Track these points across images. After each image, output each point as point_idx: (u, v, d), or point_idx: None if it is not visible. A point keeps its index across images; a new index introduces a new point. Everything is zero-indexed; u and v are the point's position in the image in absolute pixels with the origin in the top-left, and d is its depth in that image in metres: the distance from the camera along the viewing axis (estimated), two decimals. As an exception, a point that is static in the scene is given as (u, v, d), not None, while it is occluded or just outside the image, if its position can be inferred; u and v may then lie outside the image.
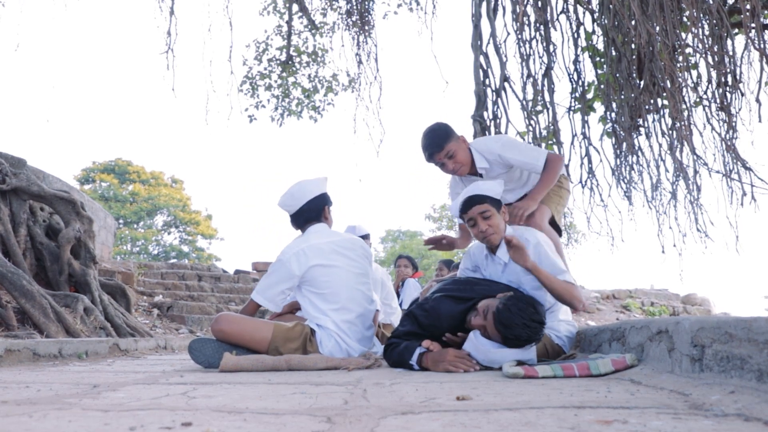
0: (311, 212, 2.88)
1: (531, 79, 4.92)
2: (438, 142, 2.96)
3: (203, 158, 57.15)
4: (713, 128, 4.71)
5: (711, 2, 3.94)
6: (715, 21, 4.12)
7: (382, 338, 3.62)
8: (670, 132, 4.85)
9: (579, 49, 5.02)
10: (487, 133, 4.84)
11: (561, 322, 2.59)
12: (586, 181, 5.26)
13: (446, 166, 3.01)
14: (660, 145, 5.01)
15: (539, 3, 4.60)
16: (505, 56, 4.87)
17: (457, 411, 1.13)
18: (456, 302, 2.45)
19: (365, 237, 4.48)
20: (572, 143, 5.08)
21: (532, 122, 4.89)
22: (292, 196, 2.88)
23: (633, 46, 4.58)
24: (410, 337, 2.48)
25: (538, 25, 4.87)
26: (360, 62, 8.35)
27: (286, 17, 9.07)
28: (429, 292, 2.68)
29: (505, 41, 4.89)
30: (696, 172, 4.96)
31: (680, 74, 4.47)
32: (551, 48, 4.90)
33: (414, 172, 60.64)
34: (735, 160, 4.68)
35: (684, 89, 4.56)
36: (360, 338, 2.79)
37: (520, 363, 2.13)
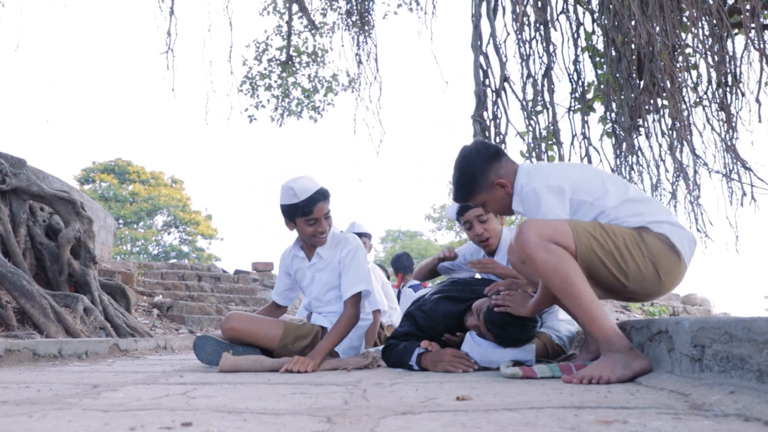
0: None
1: (531, 80, 4.91)
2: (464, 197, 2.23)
3: (203, 158, 57.25)
4: (713, 128, 4.71)
5: (711, 2, 3.94)
6: (715, 21, 4.12)
7: (384, 339, 3.63)
8: (670, 132, 4.85)
9: (579, 49, 5.02)
10: (486, 132, 4.84)
11: (561, 322, 2.58)
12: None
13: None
14: (660, 146, 5.00)
15: (539, 3, 4.60)
16: (505, 56, 4.86)
17: (457, 411, 1.13)
18: (454, 303, 2.46)
19: (364, 235, 4.45)
20: (572, 143, 5.07)
21: (531, 122, 4.88)
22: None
23: (633, 46, 4.57)
24: (408, 338, 2.49)
25: (538, 25, 4.87)
26: (360, 62, 8.35)
27: (286, 17, 9.07)
28: (427, 294, 2.69)
29: (505, 41, 4.88)
30: (696, 172, 4.96)
31: (680, 74, 4.47)
32: (551, 48, 4.89)
33: (414, 172, 60.65)
34: (735, 161, 4.68)
35: (684, 89, 4.56)
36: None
37: (517, 363, 2.13)
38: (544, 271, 1.79)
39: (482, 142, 2.27)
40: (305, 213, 2.59)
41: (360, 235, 4.36)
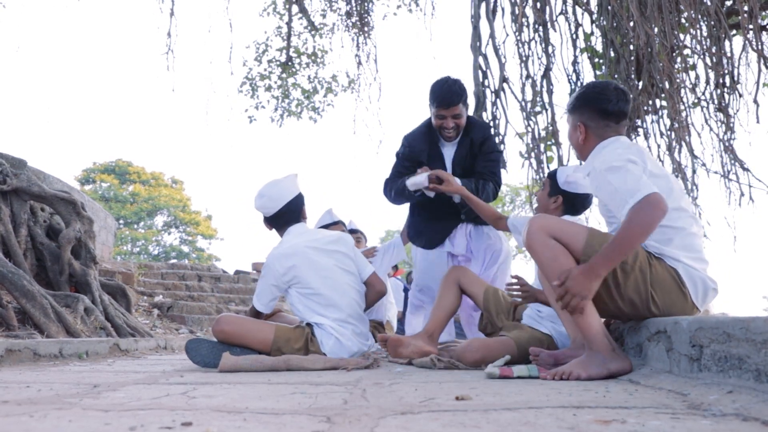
0: (292, 213, 2.86)
1: (530, 80, 4.92)
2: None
3: (203, 158, 57.30)
4: (711, 129, 4.73)
5: (709, 4, 3.96)
6: (713, 22, 4.13)
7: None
8: (669, 132, 4.86)
9: (578, 50, 5.03)
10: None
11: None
12: (585, 182, 5.25)
13: None
14: (658, 146, 5.01)
15: (538, 4, 4.60)
16: (504, 57, 4.87)
17: (457, 411, 1.13)
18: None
19: (337, 223, 4.10)
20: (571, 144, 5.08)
21: (531, 123, 4.89)
22: (271, 198, 2.84)
23: (631, 47, 4.58)
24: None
25: (537, 26, 4.88)
26: (360, 63, 8.36)
27: (285, 18, 9.08)
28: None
29: (504, 42, 4.89)
30: (694, 172, 4.97)
31: (678, 75, 4.48)
32: (550, 49, 4.90)
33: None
34: (733, 161, 4.70)
35: (682, 90, 4.57)
36: (358, 334, 2.80)
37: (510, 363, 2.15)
38: (541, 261, 1.91)
39: (626, 98, 2.15)
40: None
41: (335, 223, 4.15)
